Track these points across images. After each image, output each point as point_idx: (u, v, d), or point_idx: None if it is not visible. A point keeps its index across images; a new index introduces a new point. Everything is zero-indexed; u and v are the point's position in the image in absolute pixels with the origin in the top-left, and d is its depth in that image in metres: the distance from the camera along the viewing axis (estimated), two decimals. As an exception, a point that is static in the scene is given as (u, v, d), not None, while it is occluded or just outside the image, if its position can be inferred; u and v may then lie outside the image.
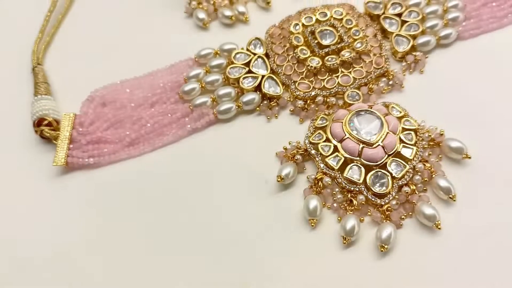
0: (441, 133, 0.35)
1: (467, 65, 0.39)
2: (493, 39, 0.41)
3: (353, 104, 0.37)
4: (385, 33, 0.41)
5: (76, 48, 0.43)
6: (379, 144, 0.34)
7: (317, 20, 0.40)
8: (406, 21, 0.41)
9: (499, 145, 0.35)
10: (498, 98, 0.38)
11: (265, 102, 0.38)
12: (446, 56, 0.40)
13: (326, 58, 0.38)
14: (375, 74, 0.38)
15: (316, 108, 0.37)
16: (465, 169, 0.35)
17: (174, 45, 0.42)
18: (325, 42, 0.39)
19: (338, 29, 0.40)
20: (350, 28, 0.40)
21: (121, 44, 0.43)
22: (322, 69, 0.38)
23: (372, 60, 0.39)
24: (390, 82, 0.38)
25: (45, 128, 0.36)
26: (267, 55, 0.40)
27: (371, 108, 0.36)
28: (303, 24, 0.40)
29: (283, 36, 0.41)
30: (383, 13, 0.41)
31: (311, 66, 0.38)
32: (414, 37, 0.40)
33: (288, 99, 0.38)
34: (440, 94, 0.38)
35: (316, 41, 0.39)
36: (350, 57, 0.38)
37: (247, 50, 0.40)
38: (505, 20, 0.41)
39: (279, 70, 0.39)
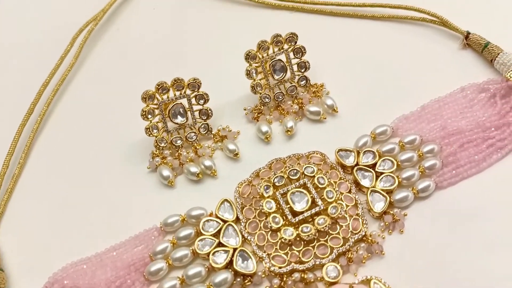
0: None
1: (448, 217, 0.37)
2: (471, 185, 0.39)
3: (332, 283, 0.35)
4: (359, 186, 0.39)
5: (33, 215, 0.40)
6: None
7: (288, 178, 0.39)
8: (382, 173, 0.39)
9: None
10: (479, 256, 0.36)
11: (238, 279, 0.36)
12: (425, 209, 0.38)
13: (301, 228, 0.36)
14: (353, 240, 0.36)
15: (294, 286, 0.35)
16: None
17: (137, 206, 0.39)
18: (297, 207, 0.37)
19: (310, 189, 0.38)
20: (323, 188, 0.38)
21: (77, 208, 0.40)
22: (298, 240, 0.36)
23: (348, 224, 0.37)
24: (370, 249, 0.36)
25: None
26: (237, 219, 0.38)
27: (352, 289, 0.34)
28: (273, 185, 0.38)
29: (253, 196, 0.39)
30: (356, 163, 0.40)
31: (285, 239, 0.36)
32: (391, 191, 0.39)
33: (263, 274, 0.36)
34: (423, 256, 0.35)
35: (288, 206, 0.37)
36: (326, 225, 0.36)
37: (216, 216, 0.38)
38: (484, 164, 0.39)
39: (251, 239, 0.37)
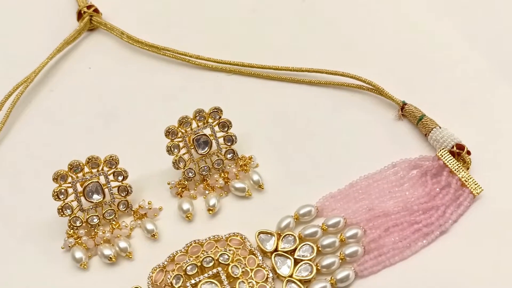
0: None
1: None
2: (394, 273, 0.37)
3: None
4: (277, 275, 0.37)
5: None
6: None
7: (201, 266, 0.37)
8: (301, 260, 0.38)
9: None
10: None
11: None
12: (344, 301, 0.37)
13: (208, 326, 0.35)
14: None
15: None
16: None
17: (49, 288, 0.39)
18: (207, 301, 0.36)
19: (223, 280, 0.36)
20: (237, 278, 0.36)
21: None
22: None
23: (261, 319, 0.35)
24: None
25: None
26: None
27: None
28: (185, 274, 0.36)
29: (165, 285, 0.37)
30: (275, 249, 0.38)
31: (190, 337, 0.34)
32: (309, 280, 0.37)
33: None
34: None
35: (199, 299, 0.36)
36: (234, 323, 0.35)
37: (125, 306, 0.36)
38: (408, 251, 0.37)
39: (159, 334, 0.35)
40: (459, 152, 0.41)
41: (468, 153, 0.41)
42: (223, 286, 0.36)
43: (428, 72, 0.48)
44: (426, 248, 0.38)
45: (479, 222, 0.39)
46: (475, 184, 0.40)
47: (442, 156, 0.41)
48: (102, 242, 0.39)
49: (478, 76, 0.47)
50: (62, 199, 0.39)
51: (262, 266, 0.37)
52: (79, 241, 0.39)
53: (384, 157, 0.42)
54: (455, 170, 0.40)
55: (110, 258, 0.38)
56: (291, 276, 0.37)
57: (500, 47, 0.49)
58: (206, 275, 0.36)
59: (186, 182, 0.42)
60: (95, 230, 0.40)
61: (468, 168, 0.41)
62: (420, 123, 0.43)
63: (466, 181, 0.40)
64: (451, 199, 0.39)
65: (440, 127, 0.42)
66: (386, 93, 0.45)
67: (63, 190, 0.39)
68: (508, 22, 0.52)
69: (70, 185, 0.39)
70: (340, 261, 0.37)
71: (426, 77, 0.47)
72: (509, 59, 0.49)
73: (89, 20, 0.53)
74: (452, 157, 0.41)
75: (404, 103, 0.45)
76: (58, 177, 0.38)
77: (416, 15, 0.52)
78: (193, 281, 0.36)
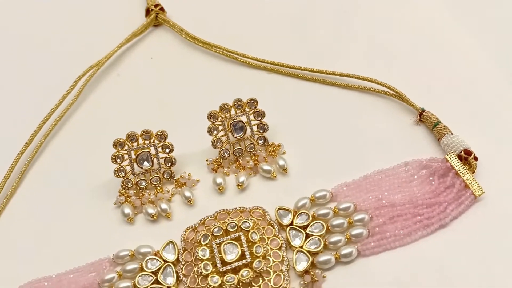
0: None
1: (365, 284, 0.41)
2: (394, 256, 0.42)
3: None
4: (290, 245, 0.43)
5: (14, 233, 0.47)
6: None
7: (225, 230, 0.43)
8: (312, 235, 0.43)
9: None
10: None
11: None
12: (345, 274, 0.41)
13: (226, 278, 0.41)
14: None
15: None
16: None
17: (99, 236, 0.45)
18: (228, 257, 0.41)
19: (243, 243, 0.42)
20: (254, 243, 0.42)
21: (50, 232, 0.46)
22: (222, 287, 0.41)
23: (270, 279, 0.41)
24: None
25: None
26: (178, 260, 0.43)
27: None
28: (212, 234, 0.43)
29: (195, 242, 0.44)
30: (291, 223, 0.44)
31: (211, 286, 0.41)
32: (316, 253, 0.42)
33: None
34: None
35: (220, 255, 0.42)
36: (248, 278, 0.40)
37: (160, 256, 0.43)
38: (407, 239, 0.42)
39: (185, 281, 0.41)
40: (466, 157, 0.45)
41: (475, 159, 0.45)
42: (242, 248, 0.42)
43: (448, 83, 0.52)
44: (425, 239, 0.42)
45: (477, 222, 0.43)
46: (478, 187, 0.44)
47: (450, 159, 0.45)
48: (147, 202, 0.47)
49: (493, 90, 0.51)
50: (118, 162, 0.47)
51: (278, 236, 0.43)
52: (128, 200, 0.47)
53: (399, 157, 0.47)
54: (461, 172, 0.44)
55: (152, 216, 0.46)
56: (301, 247, 0.42)
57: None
58: (229, 237, 0.43)
59: (221, 160, 0.49)
60: (142, 192, 0.47)
61: (473, 172, 0.45)
62: (435, 128, 0.48)
63: (470, 183, 0.44)
64: (454, 198, 0.44)
65: (452, 133, 0.47)
66: (407, 99, 0.50)
67: (120, 155, 0.47)
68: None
69: (126, 152, 0.47)
70: (346, 240, 0.43)
71: (446, 88, 0.52)
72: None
73: (155, 17, 0.62)
74: (459, 160, 0.45)
75: (423, 110, 0.49)
76: (117, 144, 0.46)
77: (441, 32, 0.57)
78: (217, 241, 0.43)
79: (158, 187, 0.48)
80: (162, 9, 0.62)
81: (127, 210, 0.47)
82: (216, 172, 0.49)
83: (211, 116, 0.47)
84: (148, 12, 0.62)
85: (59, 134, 0.54)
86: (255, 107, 0.48)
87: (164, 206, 0.47)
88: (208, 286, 0.40)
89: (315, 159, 0.49)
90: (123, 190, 0.47)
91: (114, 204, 0.48)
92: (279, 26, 0.61)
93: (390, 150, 0.49)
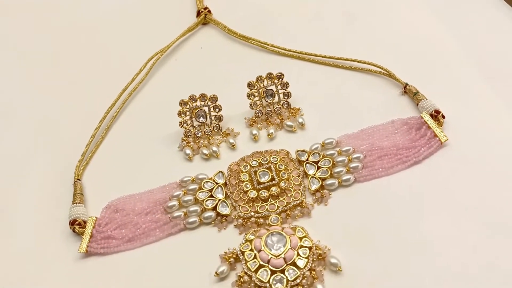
0: (325, 250, 0.52)
1: (361, 201, 0.57)
2: (381, 182, 0.58)
3: (273, 225, 0.54)
4: (306, 174, 0.59)
5: (106, 168, 0.64)
6: (282, 256, 0.51)
7: (259, 163, 0.59)
8: (321, 167, 0.59)
9: (380, 261, 0.51)
10: (383, 227, 0.54)
11: (219, 218, 0.57)
12: (345, 194, 0.58)
13: (260, 192, 0.57)
14: (293, 204, 0.56)
15: (250, 226, 0.55)
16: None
17: (169, 171, 0.63)
18: (262, 180, 0.58)
19: (272, 171, 0.58)
20: (280, 171, 0.58)
21: (141, 170, 0.63)
22: (258, 199, 0.57)
23: (292, 194, 0.57)
24: (302, 211, 0.56)
25: (76, 227, 0.56)
26: (226, 184, 0.59)
27: (282, 230, 0.53)
28: (250, 165, 0.59)
29: (238, 171, 0.60)
30: (306, 159, 0.60)
31: (250, 197, 0.56)
32: (324, 179, 0.58)
33: (234, 217, 0.56)
34: (338, 222, 0.55)
35: (256, 178, 0.58)
36: (276, 192, 0.56)
37: (213, 180, 0.59)
38: (391, 170, 0.58)
39: (231, 196, 0.57)
40: (435, 115, 0.61)
41: (443, 116, 0.61)
42: (271, 174, 0.58)
43: (425, 63, 0.69)
44: (404, 171, 0.59)
45: (442, 161, 0.59)
46: (443, 136, 0.59)
47: (424, 116, 0.61)
48: (202, 146, 0.64)
49: (460, 68, 0.68)
50: (182, 117, 0.64)
51: (297, 168, 0.60)
52: (189, 144, 0.64)
53: (388, 117, 0.64)
54: (431, 125, 0.60)
55: (206, 155, 0.63)
56: (314, 175, 0.59)
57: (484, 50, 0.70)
58: (263, 167, 0.59)
59: (256, 118, 0.66)
60: (198, 140, 0.64)
61: (441, 126, 0.61)
62: (414, 96, 0.64)
63: (437, 133, 0.60)
64: (425, 143, 0.60)
65: (426, 99, 0.63)
66: (394, 76, 0.66)
67: (184, 112, 0.63)
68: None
69: (188, 109, 0.64)
70: (346, 171, 0.59)
71: (424, 66, 0.69)
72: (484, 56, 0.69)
73: (204, 17, 0.80)
74: (430, 118, 0.61)
75: (407, 84, 0.65)
76: (182, 103, 0.63)
77: (419, 22, 0.75)
78: (254, 170, 0.59)
79: (210, 137, 0.65)
80: (209, 11, 0.80)
81: (188, 151, 0.64)
82: (252, 126, 0.65)
83: (249, 85, 0.64)
84: (199, 13, 0.80)
85: (134, 100, 0.72)
86: (282, 79, 0.65)
87: (214, 148, 0.64)
88: (248, 197, 0.57)
89: (325, 119, 0.66)
90: (185, 137, 0.65)
91: (178, 148, 0.65)
92: (296, 23, 0.79)
93: (382, 113, 0.65)
